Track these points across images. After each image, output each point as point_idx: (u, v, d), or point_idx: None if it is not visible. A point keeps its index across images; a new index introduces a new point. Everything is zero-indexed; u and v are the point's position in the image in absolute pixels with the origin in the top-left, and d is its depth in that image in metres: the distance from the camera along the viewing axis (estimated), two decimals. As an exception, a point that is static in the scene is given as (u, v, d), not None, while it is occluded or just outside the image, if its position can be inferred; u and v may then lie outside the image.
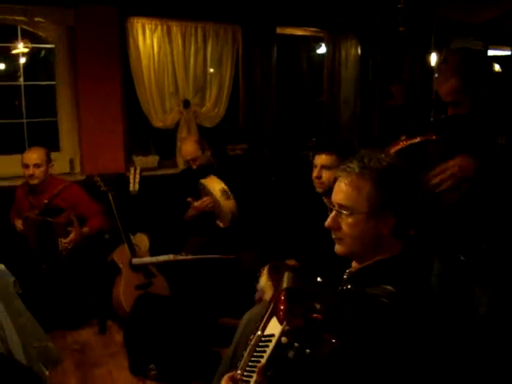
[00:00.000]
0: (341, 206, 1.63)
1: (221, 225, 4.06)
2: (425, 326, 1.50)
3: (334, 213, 1.66)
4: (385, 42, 5.45)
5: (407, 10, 4.31)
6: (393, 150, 2.16)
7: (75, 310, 3.89)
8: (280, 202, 4.19)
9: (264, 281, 2.79)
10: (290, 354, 1.33)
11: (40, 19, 4.42)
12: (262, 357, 1.42)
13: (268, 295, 2.62)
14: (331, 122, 5.91)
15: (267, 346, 1.42)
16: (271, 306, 1.55)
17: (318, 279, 1.65)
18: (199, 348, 3.28)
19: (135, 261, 3.73)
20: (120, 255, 3.96)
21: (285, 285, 1.53)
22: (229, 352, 2.48)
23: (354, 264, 1.73)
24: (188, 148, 4.26)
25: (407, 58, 5.18)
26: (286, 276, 1.59)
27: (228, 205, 3.96)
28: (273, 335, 1.41)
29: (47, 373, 2.95)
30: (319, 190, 3.02)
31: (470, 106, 2.27)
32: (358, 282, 1.63)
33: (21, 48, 4.60)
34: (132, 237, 4.04)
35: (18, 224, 3.96)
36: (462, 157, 2.09)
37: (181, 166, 5.03)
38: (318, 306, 1.37)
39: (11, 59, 4.72)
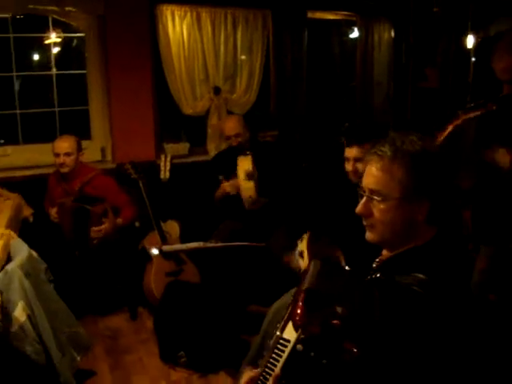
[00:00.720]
0: (372, 192, 1.56)
1: (245, 206, 4.03)
2: (459, 318, 1.43)
3: (364, 199, 1.59)
4: (418, 23, 5.31)
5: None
6: (451, 127, 2.08)
7: (107, 296, 3.94)
8: (311, 189, 4.15)
9: (303, 247, 2.75)
10: (305, 363, 1.26)
11: (71, 8, 4.44)
12: (279, 361, 1.35)
13: (306, 262, 2.58)
14: (364, 105, 5.82)
15: (283, 351, 1.34)
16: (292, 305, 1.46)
17: (346, 267, 1.58)
18: (228, 335, 3.28)
19: (165, 248, 3.73)
20: (151, 242, 3.98)
21: (306, 284, 1.40)
22: (257, 340, 2.46)
23: (385, 252, 1.67)
24: (231, 124, 4.21)
25: (441, 40, 5.04)
26: (313, 265, 1.49)
27: (247, 187, 3.93)
28: (289, 341, 1.33)
29: (78, 358, 2.98)
30: (354, 180, 2.96)
31: None
32: (388, 270, 1.56)
33: (53, 38, 4.64)
34: (163, 224, 4.05)
35: (52, 212, 3.99)
36: None
37: (212, 152, 5.01)
38: (339, 310, 1.28)
39: (43, 49, 4.77)
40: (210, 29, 4.90)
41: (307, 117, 5.45)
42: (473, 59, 5.35)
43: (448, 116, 2.32)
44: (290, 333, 1.34)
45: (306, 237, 2.82)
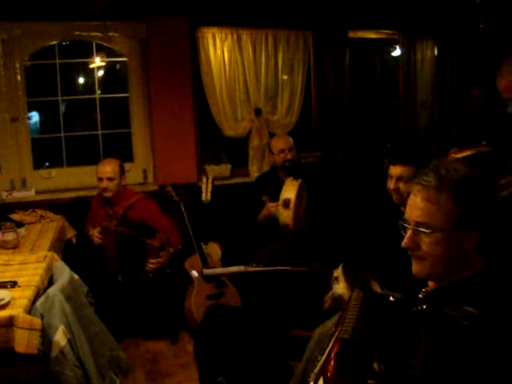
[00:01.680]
0: (419, 224, 1.49)
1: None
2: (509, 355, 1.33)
3: (410, 232, 1.52)
4: (463, 41, 5.20)
5: (487, 5, 4.05)
6: (470, 151, 2.02)
7: (149, 319, 3.91)
8: (354, 211, 4.06)
9: (339, 272, 2.67)
10: None
11: (114, 34, 4.55)
12: None
13: (341, 286, 2.51)
14: (408, 126, 5.71)
15: None
16: (329, 346, 1.38)
17: (391, 298, 1.50)
18: (271, 361, 3.20)
19: (207, 271, 3.70)
20: (192, 264, 3.96)
21: (344, 328, 1.28)
22: (300, 367, 2.40)
23: (431, 283, 1.59)
24: (283, 138, 4.20)
25: (488, 58, 4.92)
26: (354, 298, 1.41)
27: (283, 215, 3.86)
28: None
29: (118, 382, 2.96)
30: (397, 201, 2.89)
31: None
32: (435, 301, 1.47)
33: (97, 62, 4.73)
34: (204, 246, 4.03)
35: (94, 232, 4.00)
36: None
37: (253, 174, 4.99)
38: (376, 367, 1.18)
39: (87, 73, 4.87)
40: (250, 50, 4.91)
41: (349, 137, 5.37)
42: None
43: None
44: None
45: (340, 275, 2.76)
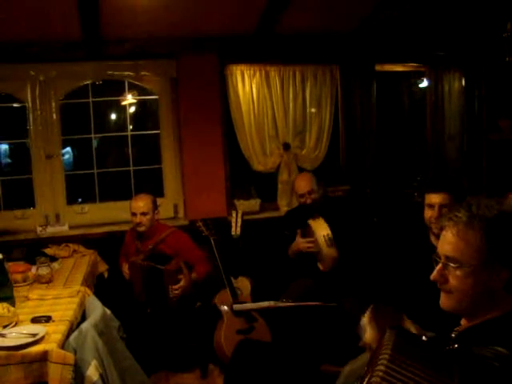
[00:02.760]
0: (448, 258, 1.51)
1: (321, 267, 3.95)
2: None
3: (440, 265, 1.55)
4: (490, 73, 5.20)
5: (513, 39, 4.08)
6: None
7: (178, 353, 3.92)
8: (383, 245, 4.04)
9: (366, 320, 2.66)
10: None
11: (145, 73, 4.68)
12: None
13: (368, 337, 2.49)
14: (437, 158, 5.69)
15: None
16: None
17: (424, 338, 1.50)
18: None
19: (237, 307, 3.72)
20: (222, 299, 3.97)
21: (375, 373, 1.30)
22: (330, 404, 2.37)
23: (463, 321, 1.59)
24: (303, 182, 4.13)
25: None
26: (387, 337, 1.42)
27: (330, 252, 3.84)
28: None
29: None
30: (437, 230, 2.86)
31: None
32: (466, 341, 1.48)
33: (129, 100, 4.85)
34: (234, 281, 4.04)
35: (125, 269, 4.08)
36: None
37: (283, 208, 5.01)
38: None
39: (119, 111, 4.99)
40: (278, 86, 4.99)
41: (378, 170, 5.37)
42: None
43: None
44: None
45: (369, 310, 2.73)
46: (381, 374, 1.28)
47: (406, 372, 1.27)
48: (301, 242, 3.97)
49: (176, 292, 3.86)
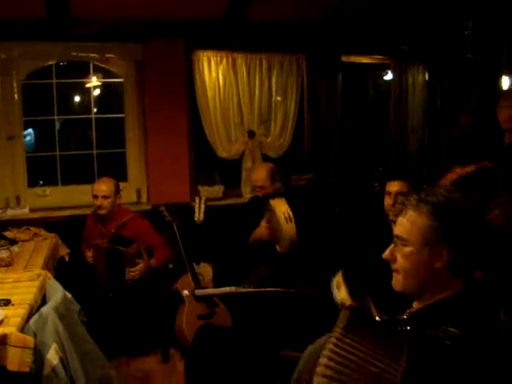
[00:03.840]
0: (397, 238, 1.65)
1: (278, 249, 4.00)
2: (490, 373, 1.40)
3: (392, 245, 1.68)
4: (452, 69, 5.31)
5: (475, 37, 4.19)
6: (448, 181, 2.11)
7: (139, 338, 3.93)
8: (343, 232, 4.11)
9: (338, 279, 2.71)
10: None
11: (111, 55, 4.63)
12: None
13: (342, 294, 2.56)
14: (399, 151, 5.79)
15: None
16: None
17: (377, 318, 1.58)
18: (260, 381, 3.22)
19: (198, 292, 3.73)
20: (183, 284, 3.98)
21: (325, 357, 1.35)
22: (291, 385, 2.42)
23: (415, 304, 1.69)
24: (257, 176, 4.20)
25: (476, 86, 5.02)
26: (341, 317, 1.51)
27: (288, 229, 3.90)
28: None
29: (108, 400, 2.97)
30: (394, 218, 2.93)
31: None
32: (418, 322, 1.58)
33: (94, 82, 4.79)
34: (196, 266, 4.06)
35: (88, 253, 4.05)
36: None
37: (246, 195, 5.04)
38: None
39: (83, 93, 4.93)
40: (245, 73, 5.00)
41: (341, 160, 5.45)
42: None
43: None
44: None
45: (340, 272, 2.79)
46: (329, 350, 1.36)
47: (355, 350, 1.35)
48: (262, 226, 4.04)
49: (132, 274, 3.88)
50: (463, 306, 1.54)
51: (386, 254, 1.68)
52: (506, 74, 5.08)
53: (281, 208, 3.93)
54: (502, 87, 5.15)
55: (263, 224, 4.04)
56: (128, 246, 3.91)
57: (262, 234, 4.03)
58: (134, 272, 3.89)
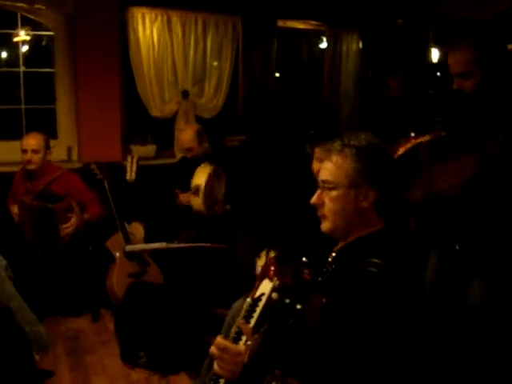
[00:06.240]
0: (324, 182, 1.69)
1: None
2: (408, 299, 1.52)
3: (319, 190, 1.73)
4: (383, 34, 5.43)
5: (406, 3, 4.32)
6: (402, 150, 2.18)
7: (69, 297, 3.90)
8: (275, 193, 4.19)
9: (262, 262, 2.79)
10: (281, 310, 1.39)
11: (40, 6, 4.43)
12: (252, 317, 1.49)
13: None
14: (331, 115, 5.90)
15: (258, 306, 1.49)
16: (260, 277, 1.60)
17: (304, 259, 1.66)
18: (190, 337, 3.29)
19: (128, 248, 3.74)
20: (114, 243, 3.97)
21: (273, 255, 1.57)
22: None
23: (340, 244, 1.76)
24: (185, 137, 4.25)
25: (404, 52, 5.17)
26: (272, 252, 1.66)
27: (194, 201, 3.99)
28: (263, 294, 1.48)
29: (37, 357, 2.97)
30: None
31: (478, 84, 2.27)
32: (342, 260, 1.67)
33: (21, 35, 4.61)
34: (127, 225, 4.04)
35: (14, 209, 3.96)
36: (472, 157, 2.11)
37: (178, 155, 5.03)
38: (306, 271, 1.44)
39: (11, 46, 4.73)
40: (180, 32, 4.93)
41: (274, 123, 5.50)
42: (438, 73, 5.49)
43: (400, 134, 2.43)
44: (264, 289, 1.51)
45: (263, 254, 2.87)
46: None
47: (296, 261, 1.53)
48: (181, 197, 4.19)
49: (67, 231, 3.83)
50: (384, 240, 1.65)
51: (314, 199, 1.72)
52: (434, 47, 5.27)
53: (196, 178, 3.99)
54: (431, 59, 5.34)
55: (180, 197, 4.16)
56: (56, 202, 3.84)
57: (183, 200, 4.11)
58: (67, 228, 3.83)
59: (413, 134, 2.32)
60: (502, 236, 2.27)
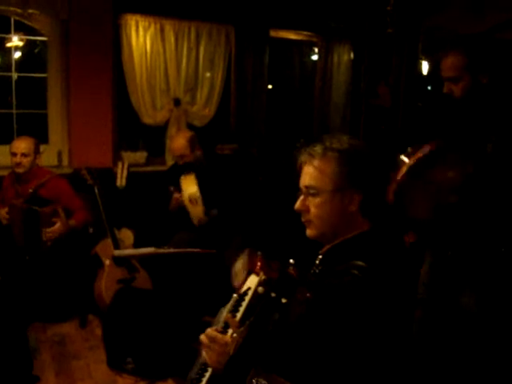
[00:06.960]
0: (307, 188, 1.65)
1: (194, 222, 4.07)
2: (391, 301, 1.51)
3: (302, 196, 1.68)
4: (374, 44, 5.48)
5: (396, 13, 4.37)
6: (406, 167, 2.20)
7: (57, 303, 3.89)
8: (266, 202, 4.20)
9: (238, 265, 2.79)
10: (267, 304, 1.39)
11: (34, 11, 4.44)
12: (238, 311, 1.53)
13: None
14: (321, 126, 5.94)
15: (244, 300, 1.52)
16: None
17: (291, 260, 1.66)
18: (177, 343, 3.28)
19: (117, 252, 3.73)
20: (103, 249, 3.96)
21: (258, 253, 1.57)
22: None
23: (326, 247, 1.74)
24: (177, 144, 4.21)
25: (394, 62, 5.21)
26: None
27: (194, 211, 3.99)
28: (249, 288, 1.51)
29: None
30: None
31: (467, 89, 2.30)
32: (328, 262, 1.65)
33: (15, 40, 4.61)
34: (117, 231, 4.03)
35: (2, 212, 3.95)
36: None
37: (169, 163, 5.04)
38: (291, 268, 1.44)
39: (4, 51, 4.73)
40: (173, 41, 4.96)
41: (266, 132, 5.53)
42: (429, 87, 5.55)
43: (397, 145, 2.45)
44: (250, 282, 1.54)
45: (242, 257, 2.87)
46: None
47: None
48: (175, 198, 4.11)
49: (49, 235, 3.83)
50: (369, 242, 1.63)
51: (298, 205, 1.68)
52: (425, 59, 5.32)
53: (187, 189, 3.99)
54: (421, 70, 5.38)
55: (175, 196, 4.10)
56: (43, 206, 3.84)
57: (175, 204, 4.09)
58: (50, 232, 3.83)
59: (409, 149, 2.33)
60: (494, 245, 2.29)
